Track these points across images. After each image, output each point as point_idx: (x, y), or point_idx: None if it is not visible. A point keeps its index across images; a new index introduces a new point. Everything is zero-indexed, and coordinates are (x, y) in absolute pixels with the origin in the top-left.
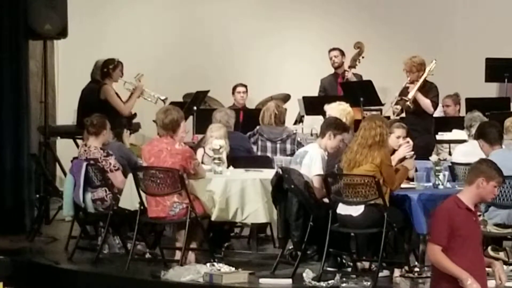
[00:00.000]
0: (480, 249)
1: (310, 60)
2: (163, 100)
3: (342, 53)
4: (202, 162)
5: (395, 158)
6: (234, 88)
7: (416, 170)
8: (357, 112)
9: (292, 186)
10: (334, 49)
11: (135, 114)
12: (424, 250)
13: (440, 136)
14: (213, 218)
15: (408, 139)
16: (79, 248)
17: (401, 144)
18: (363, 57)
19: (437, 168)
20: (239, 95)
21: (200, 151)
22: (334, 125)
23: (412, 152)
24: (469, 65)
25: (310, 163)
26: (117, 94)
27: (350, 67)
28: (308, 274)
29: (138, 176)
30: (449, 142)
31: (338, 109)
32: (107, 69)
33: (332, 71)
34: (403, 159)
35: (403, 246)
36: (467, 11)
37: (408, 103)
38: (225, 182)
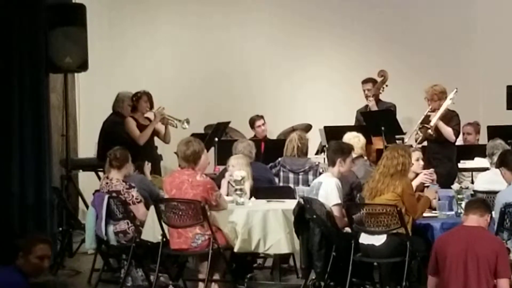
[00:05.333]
0: None
1: (331, 89)
2: (183, 121)
3: (374, 83)
4: (228, 194)
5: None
6: (252, 122)
7: (439, 199)
8: (378, 142)
9: (314, 216)
10: (367, 81)
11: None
12: None
13: (462, 164)
14: (235, 249)
15: (432, 170)
16: (102, 281)
17: (423, 172)
18: (386, 85)
19: (459, 196)
20: (260, 128)
21: (224, 182)
22: (340, 151)
23: (430, 181)
24: (491, 93)
25: (326, 194)
26: (143, 125)
27: (373, 95)
28: None
29: (160, 208)
30: (471, 170)
31: (353, 142)
32: (132, 102)
33: (355, 100)
34: (421, 186)
35: (426, 275)
36: (488, 38)
37: (429, 131)
38: (247, 213)
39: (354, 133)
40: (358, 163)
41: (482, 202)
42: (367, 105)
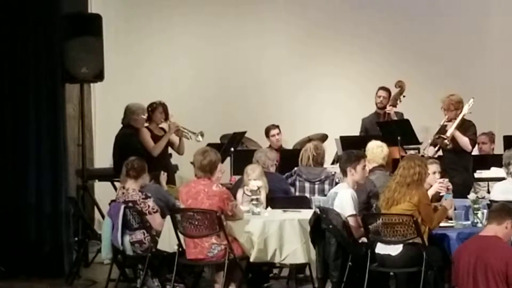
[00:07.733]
0: None
1: (347, 99)
2: (197, 134)
3: (390, 94)
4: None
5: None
6: (267, 132)
7: (455, 209)
8: (395, 151)
9: (330, 226)
10: (384, 89)
11: (170, 155)
12: None
13: (479, 174)
14: (251, 259)
15: (447, 180)
16: None
17: (437, 181)
18: (404, 96)
19: (475, 206)
20: (274, 138)
21: (240, 192)
22: (348, 160)
23: (445, 190)
24: (507, 102)
25: (341, 205)
26: (158, 135)
27: (391, 105)
28: None
29: (176, 218)
30: (488, 180)
31: (376, 151)
32: (147, 113)
33: (371, 110)
34: (436, 195)
35: (443, 285)
36: (504, 48)
37: (446, 141)
38: (263, 223)
39: (378, 143)
40: (378, 172)
41: (501, 209)
42: (373, 114)
